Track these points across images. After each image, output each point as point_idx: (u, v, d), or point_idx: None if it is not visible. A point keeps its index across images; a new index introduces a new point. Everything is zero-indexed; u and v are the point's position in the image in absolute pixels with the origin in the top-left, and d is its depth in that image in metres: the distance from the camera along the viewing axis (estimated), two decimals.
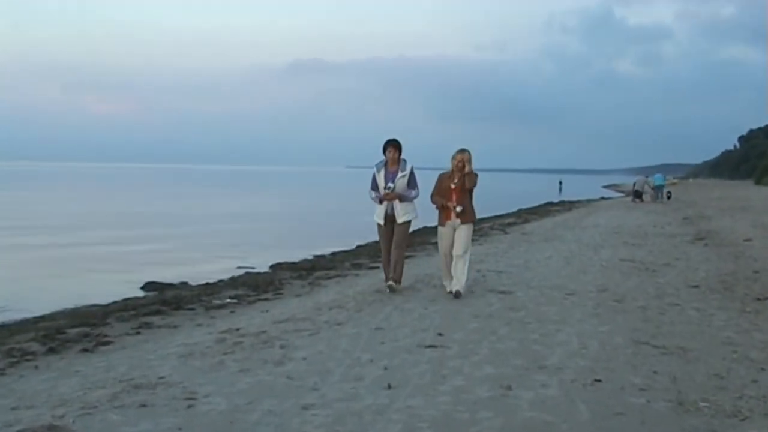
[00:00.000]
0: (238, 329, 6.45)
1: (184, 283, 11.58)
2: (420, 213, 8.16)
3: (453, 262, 7.74)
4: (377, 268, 11.35)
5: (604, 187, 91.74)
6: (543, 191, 66.77)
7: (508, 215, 27.30)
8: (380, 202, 7.99)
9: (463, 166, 7.65)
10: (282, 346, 5.58)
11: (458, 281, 7.68)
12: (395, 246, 7.97)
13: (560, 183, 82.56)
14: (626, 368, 4.92)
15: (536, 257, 11.67)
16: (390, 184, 7.91)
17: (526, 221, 23.09)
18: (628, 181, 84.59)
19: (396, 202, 7.94)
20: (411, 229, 8.35)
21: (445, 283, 7.99)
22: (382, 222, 8.03)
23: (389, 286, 7.99)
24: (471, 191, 7.77)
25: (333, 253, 15.71)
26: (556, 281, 8.94)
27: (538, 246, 13.69)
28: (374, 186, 8.07)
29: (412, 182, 8.01)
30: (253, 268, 13.70)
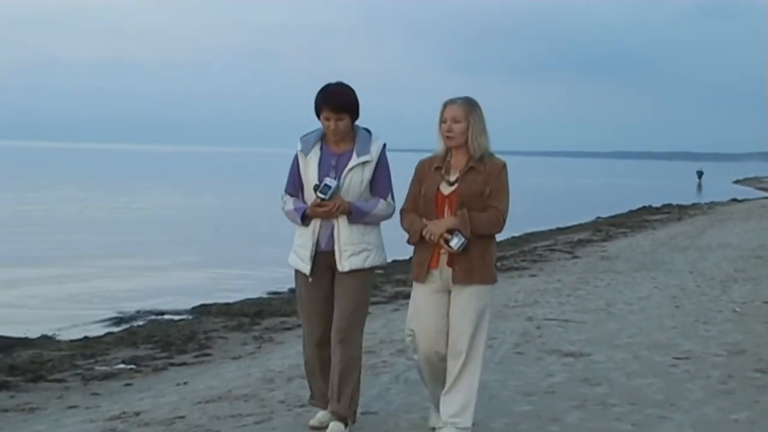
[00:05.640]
0: (137, 414, 6.44)
1: (48, 338, 11.55)
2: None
3: (447, 368, 5.60)
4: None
5: (737, 182, 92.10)
6: (643, 188, 66.85)
7: (578, 228, 27.39)
8: (303, 220, 5.73)
9: (465, 139, 5.49)
10: None
11: (455, 411, 5.56)
12: (340, 330, 5.66)
13: (699, 174, 79.16)
14: None
15: (625, 297, 11.70)
16: (329, 181, 5.60)
17: (608, 238, 23.13)
18: None
19: (340, 223, 5.66)
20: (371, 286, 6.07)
21: (432, 409, 5.89)
22: (306, 268, 5.73)
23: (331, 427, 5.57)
24: (493, 224, 5.48)
25: (292, 290, 15.66)
26: (658, 337, 8.97)
27: (629, 278, 13.72)
28: (294, 184, 5.87)
29: (381, 180, 5.80)
30: (162, 312, 13.69)
